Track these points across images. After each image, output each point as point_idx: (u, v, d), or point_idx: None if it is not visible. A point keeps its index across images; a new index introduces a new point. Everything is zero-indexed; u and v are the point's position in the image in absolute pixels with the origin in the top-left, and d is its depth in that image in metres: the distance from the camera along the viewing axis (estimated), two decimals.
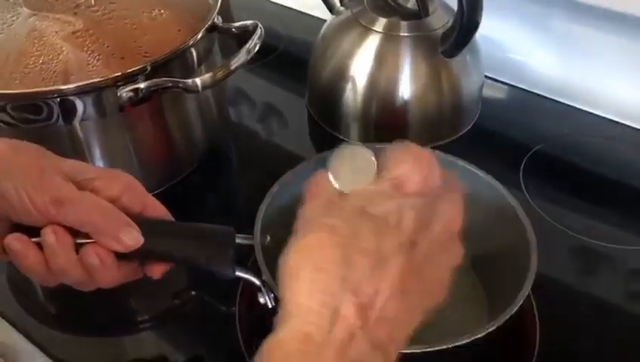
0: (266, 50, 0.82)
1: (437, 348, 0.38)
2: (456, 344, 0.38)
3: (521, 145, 0.67)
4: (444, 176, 0.37)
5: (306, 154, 0.69)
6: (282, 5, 0.92)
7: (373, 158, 0.37)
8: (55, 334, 0.53)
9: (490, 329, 0.39)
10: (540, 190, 0.62)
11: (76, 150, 0.55)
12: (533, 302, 0.51)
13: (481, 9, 0.59)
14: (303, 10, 0.89)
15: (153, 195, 0.60)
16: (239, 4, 0.95)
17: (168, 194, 0.61)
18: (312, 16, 0.86)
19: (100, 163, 0.56)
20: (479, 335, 0.39)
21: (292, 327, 0.31)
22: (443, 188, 0.36)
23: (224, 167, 0.69)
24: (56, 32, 0.53)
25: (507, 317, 0.40)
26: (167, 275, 0.45)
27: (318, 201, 0.36)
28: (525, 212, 0.58)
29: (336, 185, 0.36)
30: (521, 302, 0.40)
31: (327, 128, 0.70)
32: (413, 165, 0.36)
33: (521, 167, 0.65)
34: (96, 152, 0.56)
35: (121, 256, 0.40)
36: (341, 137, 0.69)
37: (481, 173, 0.49)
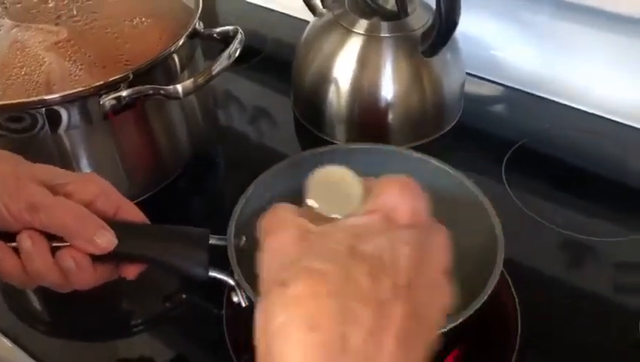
0: (252, 52, 0.84)
1: None
2: None
3: (504, 141, 0.68)
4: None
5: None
6: (267, 8, 0.93)
7: (354, 177, 0.33)
8: (46, 340, 0.54)
9: (459, 321, 0.40)
10: (522, 185, 0.63)
11: (63, 158, 0.55)
12: (517, 302, 0.52)
13: (459, 9, 0.60)
14: (288, 13, 0.90)
15: (140, 201, 0.61)
16: (225, 8, 0.96)
17: (155, 200, 0.62)
18: (298, 19, 0.87)
19: (86, 170, 0.57)
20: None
21: None
22: (430, 221, 0.32)
23: (210, 171, 0.70)
24: (39, 43, 0.54)
25: (473, 310, 0.40)
26: (158, 278, 0.46)
27: (287, 235, 0.31)
28: (507, 206, 0.60)
29: (321, 211, 0.32)
30: (485, 298, 0.41)
31: (312, 130, 0.71)
32: (400, 194, 0.31)
33: (504, 162, 0.66)
34: (83, 160, 0.57)
35: (96, 258, 0.41)
36: (327, 138, 0.70)
37: (452, 171, 0.50)
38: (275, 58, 0.84)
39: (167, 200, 0.63)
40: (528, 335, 0.50)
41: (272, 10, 0.92)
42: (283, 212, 0.32)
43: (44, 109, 0.51)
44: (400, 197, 0.31)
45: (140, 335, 0.55)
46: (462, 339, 0.49)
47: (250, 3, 0.94)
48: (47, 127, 0.52)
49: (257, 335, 0.28)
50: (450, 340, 0.47)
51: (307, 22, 0.72)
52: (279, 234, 0.31)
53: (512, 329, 0.50)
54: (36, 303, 0.57)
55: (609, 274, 0.55)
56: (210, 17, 0.92)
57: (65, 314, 0.56)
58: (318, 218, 0.33)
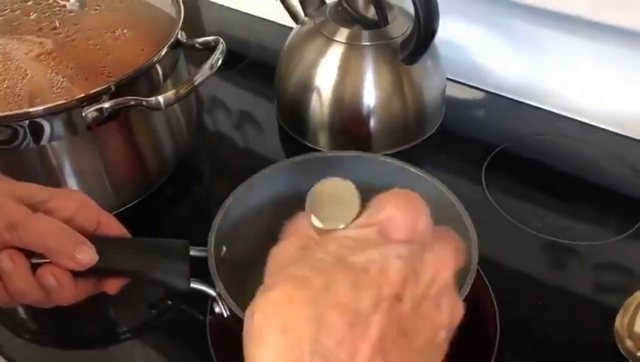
0: (236, 58, 0.84)
1: None
2: None
3: (484, 146, 0.69)
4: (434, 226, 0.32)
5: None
6: (251, 15, 0.93)
7: (355, 189, 0.33)
8: (32, 348, 0.55)
9: None
10: (501, 189, 0.64)
11: (47, 170, 0.56)
12: (495, 305, 0.53)
13: (438, 17, 0.61)
14: (271, 19, 0.91)
15: (125, 209, 0.62)
16: (209, 16, 0.96)
17: (139, 208, 0.63)
18: (281, 25, 0.87)
19: (71, 181, 0.57)
20: None
21: None
22: (434, 236, 0.31)
23: (195, 178, 0.70)
24: (22, 55, 0.54)
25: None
26: (143, 285, 0.46)
27: (293, 242, 0.32)
28: (486, 211, 0.61)
29: (320, 225, 0.32)
30: (462, 298, 0.42)
31: (296, 137, 0.72)
32: (400, 208, 0.31)
33: (484, 166, 0.67)
34: (67, 171, 0.57)
35: (77, 274, 0.41)
36: (310, 145, 0.71)
37: (428, 178, 0.51)
38: (261, 63, 0.85)
39: (152, 208, 0.64)
40: (507, 336, 0.51)
41: (255, 17, 0.93)
42: (301, 218, 0.33)
43: (27, 122, 0.51)
44: (397, 211, 0.31)
45: (126, 342, 0.55)
46: None
47: (234, 10, 0.95)
48: (30, 139, 0.53)
49: (243, 336, 0.29)
50: None
51: (290, 28, 0.73)
52: (287, 241, 0.32)
53: (490, 331, 0.51)
54: (22, 312, 0.58)
55: (586, 277, 0.57)
56: (194, 25, 0.93)
57: (51, 322, 0.57)
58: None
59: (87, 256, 0.41)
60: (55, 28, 0.57)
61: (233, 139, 0.75)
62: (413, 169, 0.52)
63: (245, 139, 0.75)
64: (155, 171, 0.64)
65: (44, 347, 0.56)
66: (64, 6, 0.60)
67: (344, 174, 0.54)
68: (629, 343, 0.49)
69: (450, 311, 0.31)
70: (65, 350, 0.55)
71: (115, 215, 0.60)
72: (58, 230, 0.40)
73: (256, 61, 0.86)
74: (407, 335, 0.29)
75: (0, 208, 0.40)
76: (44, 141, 0.54)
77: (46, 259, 0.41)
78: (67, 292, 0.41)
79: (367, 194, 0.53)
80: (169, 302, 0.58)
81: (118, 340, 0.55)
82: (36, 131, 0.52)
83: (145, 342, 0.54)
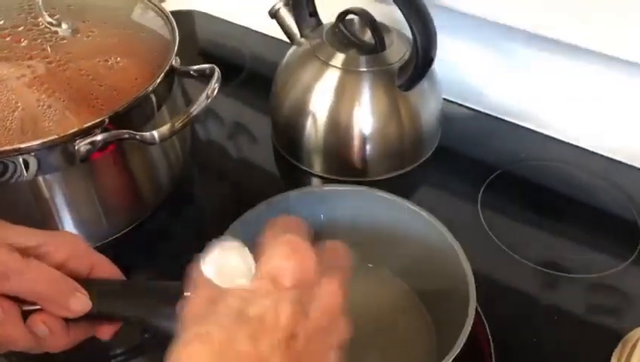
0: (232, 71, 0.83)
1: None
2: None
3: (481, 170, 0.69)
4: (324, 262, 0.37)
5: (272, 183, 0.71)
6: (246, 27, 0.92)
7: (249, 254, 0.37)
8: None
9: None
10: (497, 215, 0.64)
11: (39, 202, 0.55)
12: (489, 333, 0.53)
13: (436, 45, 0.60)
14: (269, 34, 0.89)
15: (117, 237, 0.61)
16: (203, 28, 0.95)
17: (132, 236, 0.62)
18: (276, 39, 0.86)
19: (64, 212, 0.57)
20: None
21: None
22: (322, 273, 0.36)
23: (189, 202, 0.70)
24: (11, 85, 0.53)
25: (454, 356, 0.41)
26: None
27: (199, 299, 0.36)
28: (482, 240, 0.60)
29: (215, 281, 0.36)
30: (463, 342, 0.42)
31: (291, 160, 0.71)
32: (287, 257, 0.36)
33: (480, 193, 0.66)
34: (60, 202, 0.56)
35: (70, 320, 0.41)
36: (305, 168, 0.70)
37: (425, 214, 0.50)
38: (257, 77, 0.84)
39: (146, 233, 0.63)
40: None
41: (250, 30, 0.92)
42: (203, 277, 0.37)
43: (20, 158, 0.50)
44: (284, 261, 0.36)
45: None
46: None
47: (228, 22, 0.94)
48: (21, 172, 0.52)
49: None
50: None
51: (286, 42, 0.71)
52: (195, 293, 0.37)
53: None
54: None
55: (583, 309, 0.57)
56: (188, 35, 0.92)
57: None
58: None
59: (80, 304, 0.40)
60: (47, 56, 0.56)
61: (227, 154, 0.74)
62: (411, 206, 0.52)
63: (240, 154, 0.74)
64: (149, 198, 0.63)
65: None
66: (56, 32, 0.59)
67: (340, 206, 0.54)
68: None
69: (339, 333, 0.36)
70: None
71: (109, 242, 0.61)
72: (51, 278, 0.40)
73: (252, 74, 0.85)
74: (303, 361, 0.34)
75: None
76: (37, 175, 0.53)
77: (37, 306, 0.40)
78: (59, 340, 0.41)
79: (359, 225, 0.53)
80: None
81: None
82: (28, 165, 0.51)
83: None
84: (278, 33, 0.72)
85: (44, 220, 0.56)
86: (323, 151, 0.67)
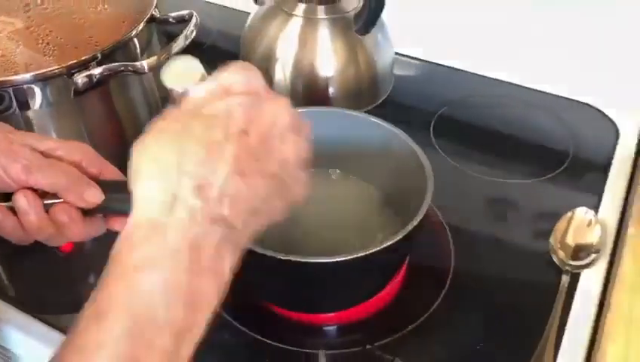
0: (194, 44, 0.90)
1: (359, 255, 0.47)
2: (372, 251, 0.47)
3: (429, 109, 0.78)
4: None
5: None
6: (209, 2, 0.99)
7: (200, 64, 0.42)
8: None
9: (395, 240, 0.48)
10: (448, 142, 0.73)
11: None
12: (449, 236, 0.62)
13: None
14: (226, 5, 0.97)
15: None
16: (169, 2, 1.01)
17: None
18: (236, 10, 0.94)
19: None
20: (389, 243, 0.48)
21: (137, 217, 0.37)
22: (269, 93, 0.40)
23: None
24: (11, 29, 0.59)
25: (411, 228, 0.49)
26: None
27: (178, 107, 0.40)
28: (436, 160, 0.69)
29: (168, 85, 0.41)
30: (421, 217, 0.50)
31: None
32: (236, 71, 0.40)
33: (431, 125, 0.75)
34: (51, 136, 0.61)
35: (85, 212, 0.46)
36: None
37: (394, 129, 0.58)
38: (218, 48, 0.91)
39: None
40: (460, 261, 0.60)
41: (211, 3, 0.99)
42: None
43: (15, 88, 0.54)
44: (235, 74, 0.40)
45: None
46: (405, 269, 0.57)
47: None
48: (17, 105, 0.56)
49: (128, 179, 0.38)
50: (395, 268, 0.56)
51: (246, 13, 0.79)
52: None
53: (445, 259, 0.60)
54: None
55: (521, 210, 0.66)
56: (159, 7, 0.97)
57: None
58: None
59: (93, 195, 0.46)
60: (40, 4, 0.62)
61: None
62: (374, 119, 0.60)
63: None
64: (131, 135, 0.69)
65: None
66: None
67: (323, 128, 0.61)
68: (561, 254, 0.59)
69: (294, 145, 0.39)
70: None
71: None
72: (69, 173, 0.45)
73: (215, 46, 0.92)
74: (260, 160, 0.37)
75: (17, 153, 0.44)
76: (33, 107, 0.57)
77: (56, 200, 0.46)
78: (77, 228, 0.46)
79: (330, 142, 0.60)
80: None
81: None
82: (24, 98, 0.56)
83: None
84: (238, 4, 0.77)
85: None
86: (291, 94, 0.75)
